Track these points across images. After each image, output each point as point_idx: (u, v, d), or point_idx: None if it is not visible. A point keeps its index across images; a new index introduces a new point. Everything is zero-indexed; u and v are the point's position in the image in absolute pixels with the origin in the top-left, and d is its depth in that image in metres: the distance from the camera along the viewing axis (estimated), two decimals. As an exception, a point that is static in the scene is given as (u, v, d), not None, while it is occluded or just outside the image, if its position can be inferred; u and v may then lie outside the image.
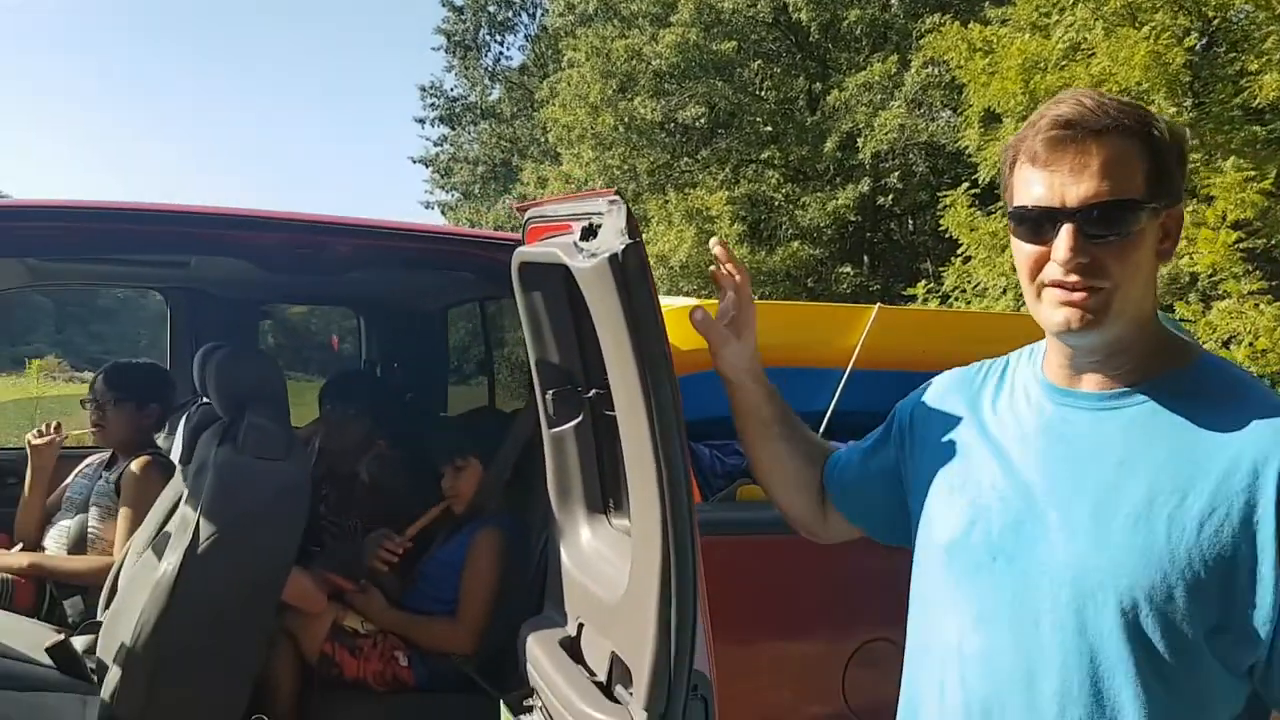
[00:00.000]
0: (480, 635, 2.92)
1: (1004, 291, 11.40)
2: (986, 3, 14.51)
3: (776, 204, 18.98)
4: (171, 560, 2.44)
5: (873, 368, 3.14)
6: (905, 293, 15.37)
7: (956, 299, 12.71)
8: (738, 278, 1.71)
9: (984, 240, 11.60)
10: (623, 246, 1.71)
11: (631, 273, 1.71)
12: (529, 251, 2.23)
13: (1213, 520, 1.18)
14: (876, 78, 17.24)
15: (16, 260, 3.13)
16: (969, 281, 12.14)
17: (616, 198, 1.81)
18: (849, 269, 19.00)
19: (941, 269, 13.95)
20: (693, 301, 3.82)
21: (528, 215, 2.31)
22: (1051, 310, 1.28)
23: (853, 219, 18.87)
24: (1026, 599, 1.29)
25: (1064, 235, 1.24)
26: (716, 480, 2.92)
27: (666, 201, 18.29)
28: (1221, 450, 1.20)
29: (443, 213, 29.90)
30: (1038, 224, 1.27)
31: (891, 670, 1.80)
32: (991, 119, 12.03)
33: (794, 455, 1.73)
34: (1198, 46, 10.23)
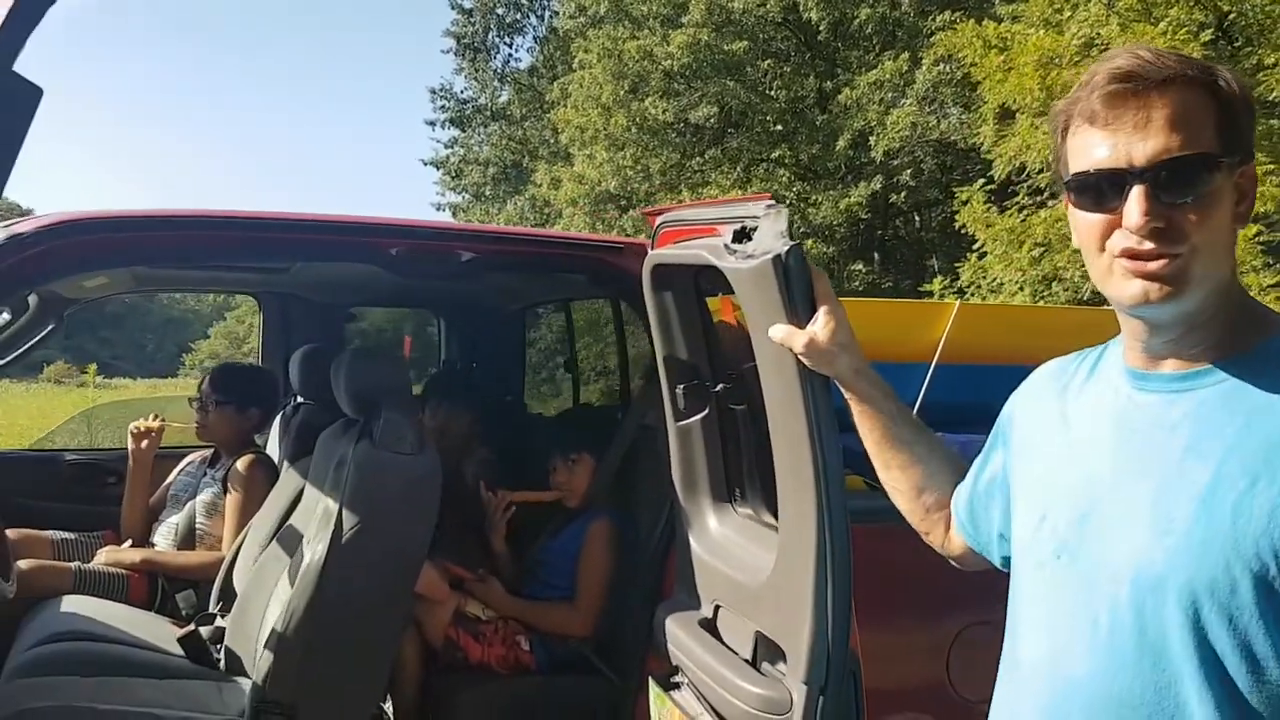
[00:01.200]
0: (596, 619, 3.07)
1: (1020, 288, 11.50)
2: (996, 0, 14.60)
3: (788, 202, 18.99)
4: (318, 550, 2.57)
5: (956, 362, 3.27)
6: (921, 290, 15.51)
7: (972, 295, 12.81)
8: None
9: (1000, 236, 11.68)
10: (786, 248, 1.84)
11: (794, 273, 1.84)
12: (667, 254, 2.36)
13: None
14: (887, 76, 17.32)
15: (125, 268, 3.25)
16: (984, 277, 12.24)
17: (774, 203, 1.94)
18: (860, 266, 19.12)
19: (956, 265, 14.05)
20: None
21: (661, 220, 2.44)
22: (1125, 283, 1.16)
23: (864, 217, 18.99)
24: (1087, 598, 1.20)
25: (1134, 198, 1.12)
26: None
27: (679, 200, 18.37)
28: None
29: (453, 214, 30.01)
30: (1101, 189, 1.16)
31: (991, 652, 1.91)
32: (1006, 115, 12.11)
33: (912, 460, 1.68)
34: (1213, 41, 10.33)
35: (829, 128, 18.69)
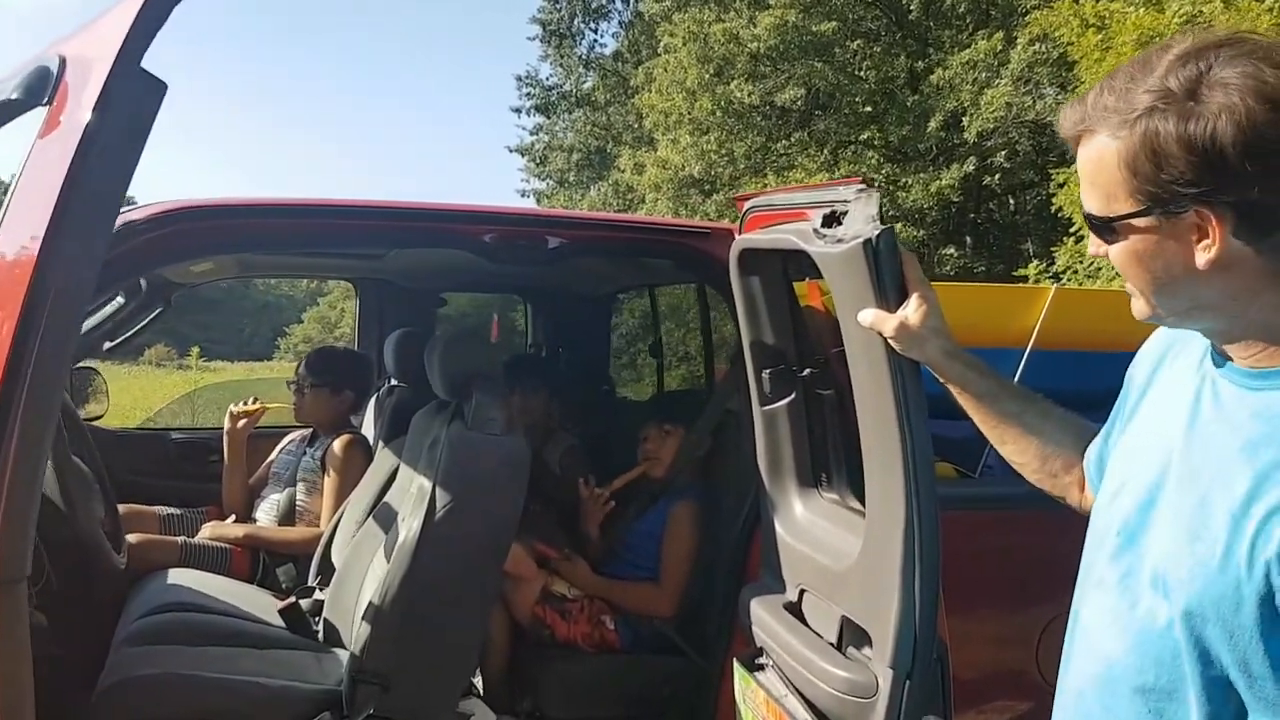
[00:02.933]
0: (680, 600, 3.11)
1: (1118, 272, 11.21)
2: (1095, -23, 14.15)
3: (877, 185, 18.73)
4: (412, 526, 2.64)
5: (1052, 348, 3.22)
6: (1014, 274, 15.20)
7: (1069, 279, 12.52)
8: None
9: (1099, 220, 11.40)
10: (877, 232, 1.84)
11: (884, 257, 1.84)
12: (754, 238, 2.37)
13: None
14: (981, 55, 16.95)
15: (232, 254, 3.37)
16: (1081, 261, 11.96)
17: (865, 186, 1.94)
18: (952, 250, 18.82)
19: (1051, 249, 13.74)
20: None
21: (749, 205, 2.46)
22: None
23: (956, 199, 18.64)
24: (1129, 588, 1.19)
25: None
26: (905, 457, 3.03)
27: (765, 185, 18.26)
28: None
29: (537, 200, 30.30)
30: None
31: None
32: (1104, 95, 11.78)
33: (1024, 431, 1.63)
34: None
35: (920, 109, 18.37)
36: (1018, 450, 1.66)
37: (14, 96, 1.28)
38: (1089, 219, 1.13)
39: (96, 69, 1.20)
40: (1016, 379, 3.14)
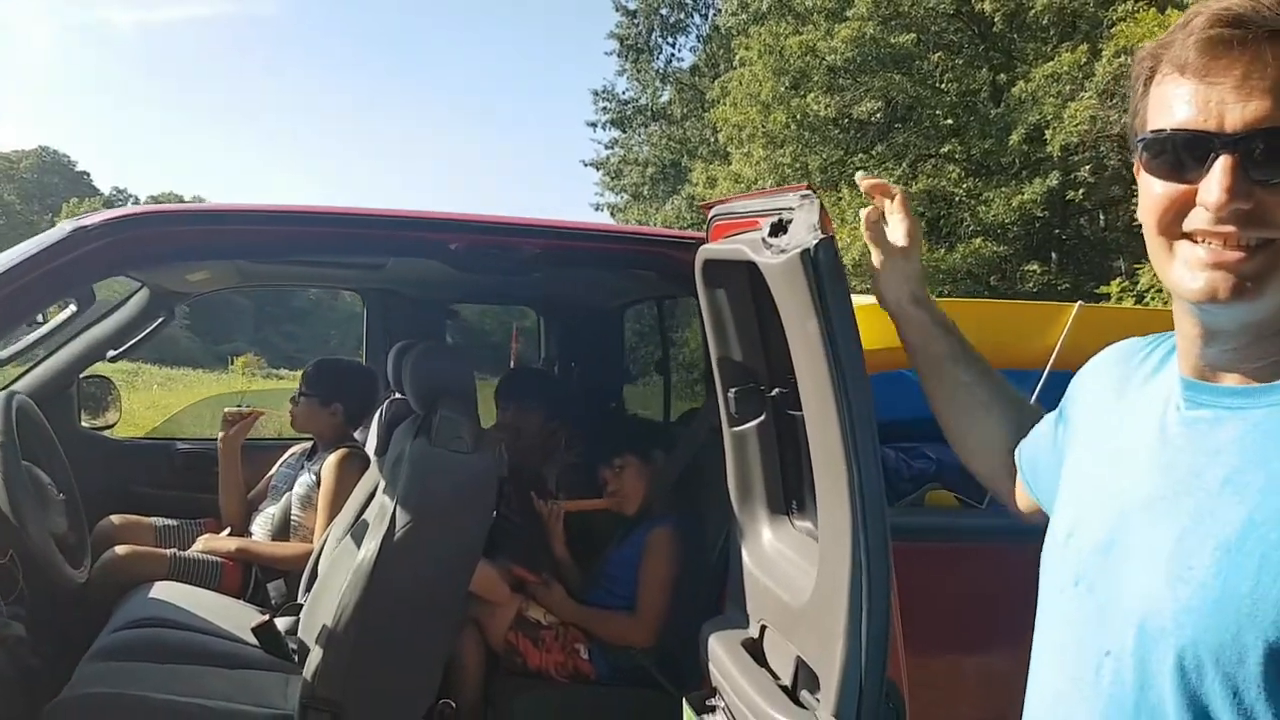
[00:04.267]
0: (658, 630, 2.94)
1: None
2: (1182, -13, 13.68)
3: (957, 199, 18.41)
4: (370, 547, 2.54)
5: (1074, 369, 2.99)
6: (1098, 291, 14.69)
7: (1153, 298, 12.07)
8: (893, 191, 1.61)
9: (1184, 235, 10.96)
10: (815, 241, 1.67)
11: (824, 268, 1.67)
12: (713, 249, 2.22)
13: None
14: (1065, 68, 16.52)
15: (229, 262, 3.31)
16: (1166, 279, 11.49)
17: (809, 193, 1.77)
18: (1035, 267, 18.29)
19: (1137, 266, 13.28)
20: (871, 300, 3.73)
21: (713, 213, 2.30)
22: (1189, 273, 0.96)
23: (1040, 214, 18.14)
24: (1095, 639, 1.04)
25: (1219, 171, 0.91)
26: (903, 484, 2.84)
27: (840, 199, 18.00)
28: None
29: (611, 214, 30.40)
30: (1179, 154, 0.95)
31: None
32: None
33: (973, 405, 1.53)
34: None
35: (1002, 121, 17.99)
36: (958, 424, 1.58)
37: None
38: (1276, 136, 0.90)
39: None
40: (1034, 399, 2.94)
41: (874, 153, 19.87)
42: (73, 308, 2.71)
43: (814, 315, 1.70)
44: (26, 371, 3.75)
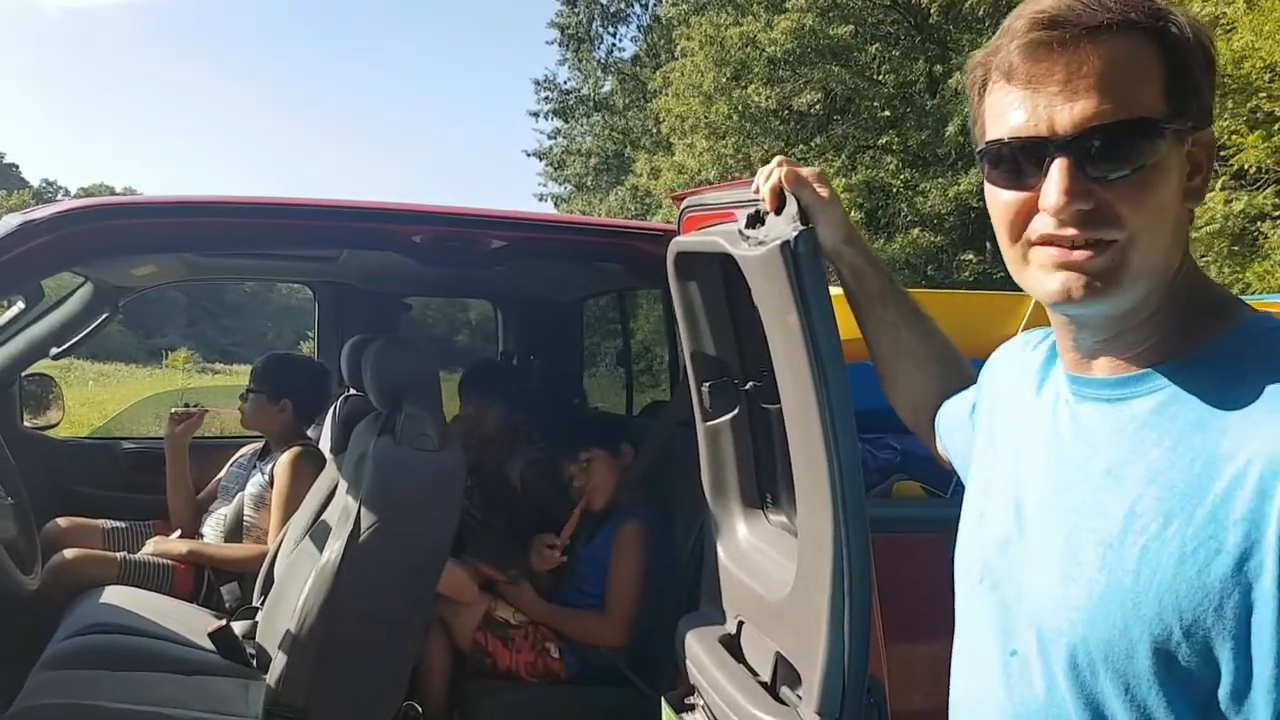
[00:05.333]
0: (629, 628, 2.91)
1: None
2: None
3: (895, 190, 18.62)
4: (334, 549, 2.49)
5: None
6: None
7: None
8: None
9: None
10: (795, 233, 1.66)
11: (804, 261, 1.66)
12: (687, 241, 2.19)
13: (1197, 557, 0.84)
14: (1001, 59, 16.74)
15: (175, 255, 3.22)
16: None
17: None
18: (971, 256, 18.57)
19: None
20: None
21: (685, 205, 2.28)
22: (1042, 275, 0.95)
23: (975, 205, 18.39)
24: (1001, 638, 1.04)
25: (1055, 174, 0.91)
26: (870, 475, 2.84)
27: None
28: (1231, 458, 0.85)
29: (555, 205, 30.26)
30: (1018, 162, 0.95)
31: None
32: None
33: (901, 349, 1.55)
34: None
35: (939, 113, 18.22)
36: (891, 373, 1.60)
37: None
38: (1106, 138, 0.90)
39: None
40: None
41: (814, 144, 20.01)
42: (20, 304, 2.62)
43: (794, 308, 1.68)
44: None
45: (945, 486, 2.86)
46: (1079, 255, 0.92)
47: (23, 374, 3.85)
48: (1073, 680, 0.93)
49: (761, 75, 19.20)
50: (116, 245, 2.32)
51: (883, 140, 19.38)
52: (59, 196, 79.66)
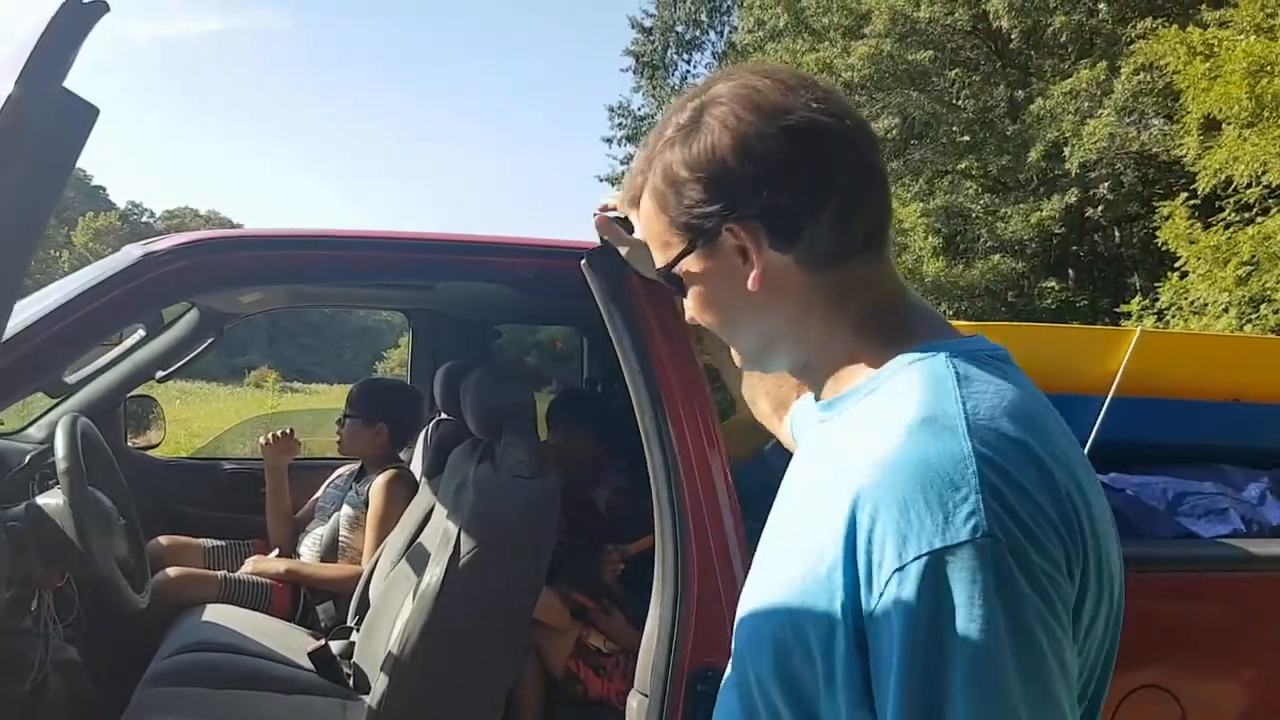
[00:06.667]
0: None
1: (1225, 309, 10.67)
2: (1203, 6, 13.63)
3: (974, 216, 18.36)
4: (435, 573, 2.52)
5: (1136, 395, 2.96)
6: (1118, 310, 14.62)
7: (1173, 316, 11.99)
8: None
9: (1204, 254, 10.91)
10: (584, 258, 1.93)
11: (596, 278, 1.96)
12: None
13: (807, 567, 0.89)
14: (1084, 85, 16.47)
15: (269, 286, 3.30)
16: (1186, 298, 11.44)
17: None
18: (1053, 283, 18.21)
19: (1157, 284, 13.22)
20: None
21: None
22: None
23: (1057, 231, 18.09)
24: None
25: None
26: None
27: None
28: (831, 481, 0.90)
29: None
30: None
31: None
32: (1211, 126, 11.34)
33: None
34: None
35: (1020, 138, 17.92)
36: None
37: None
38: (661, 279, 1.08)
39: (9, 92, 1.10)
40: (1096, 428, 2.92)
41: (890, 168, 19.81)
42: (141, 332, 2.71)
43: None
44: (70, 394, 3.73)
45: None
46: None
47: (127, 395, 3.98)
48: (743, 704, 0.99)
49: (838, 101, 19.12)
50: (233, 276, 2.39)
51: (962, 165, 19.14)
52: (144, 219, 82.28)
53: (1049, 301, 17.79)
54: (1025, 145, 17.59)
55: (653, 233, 1.06)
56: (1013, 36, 18.69)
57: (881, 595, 0.80)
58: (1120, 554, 0.94)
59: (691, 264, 1.03)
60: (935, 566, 0.78)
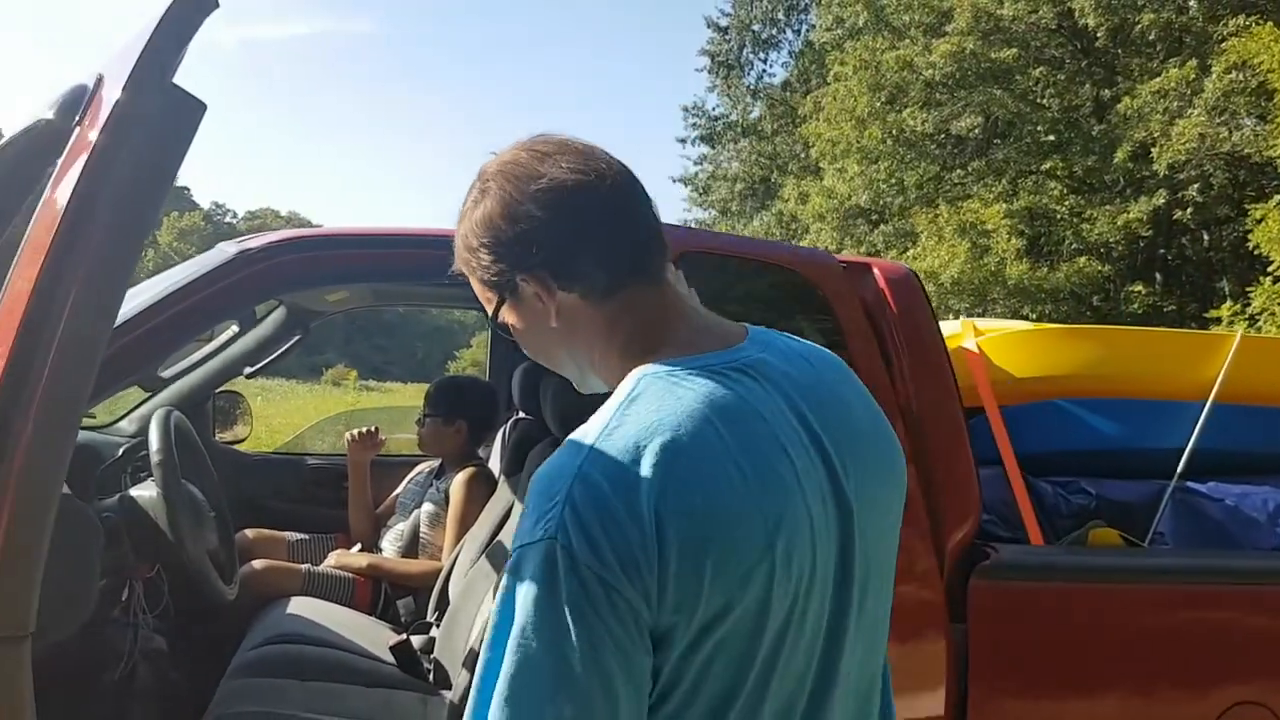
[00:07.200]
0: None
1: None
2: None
3: (1059, 217, 17.99)
4: (514, 571, 2.51)
5: (1236, 402, 2.86)
6: (1206, 315, 14.21)
7: (1265, 322, 11.63)
8: None
9: (1300, 257, 10.56)
10: None
11: None
12: None
13: None
14: (1173, 84, 16.05)
15: (358, 284, 3.34)
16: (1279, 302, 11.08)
17: None
18: (1140, 287, 17.78)
19: (1248, 288, 12.83)
20: (1015, 325, 3.62)
21: None
22: None
23: (1145, 234, 17.63)
24: None
25: None
26: (1062, 520, 2.73)
27: (937, 215, 17.73)
28: None
29: (698, 230, 30.33)
30: None
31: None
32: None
33: None
34: None
35: (1106, 138, 17.56)
36: None
37: (48, 117, 1.21)
38: (498, 331, 1.24)
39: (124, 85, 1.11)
40: (1194, 436, 2.82)
41: (971, 168, 19.55)
42: (235, 328, 2.76)
43: None
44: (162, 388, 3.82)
45: (1144, 535, 2.72)
46: None
47: (215, 391, 4.06)
48: None
49: (918, 99, 18.87)
50: (323, 274, 2.42)
51: (1046, 165, 18.76)
52: (227, 219, 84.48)
53: (1135, 306, 17.37)
54: (1112, 145, 17.23)
55: (477, 292, 1.20)
56: (1099, 34, 18.27)
57: (505, 572, 0.99)
58: (832, 525, 1.06)
59: (506, 314, 1.19)
60: (519, 558, 0.96)
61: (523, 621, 0.94)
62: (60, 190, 1.13)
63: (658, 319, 1.15)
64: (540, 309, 1.15)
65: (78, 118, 1.19)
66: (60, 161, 1.17)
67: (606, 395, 1.15)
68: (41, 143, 1.24)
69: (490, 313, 1.20)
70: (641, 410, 1.03)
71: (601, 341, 1.16)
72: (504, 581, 0.97)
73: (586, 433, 1.04)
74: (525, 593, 0.94)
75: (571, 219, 1.13)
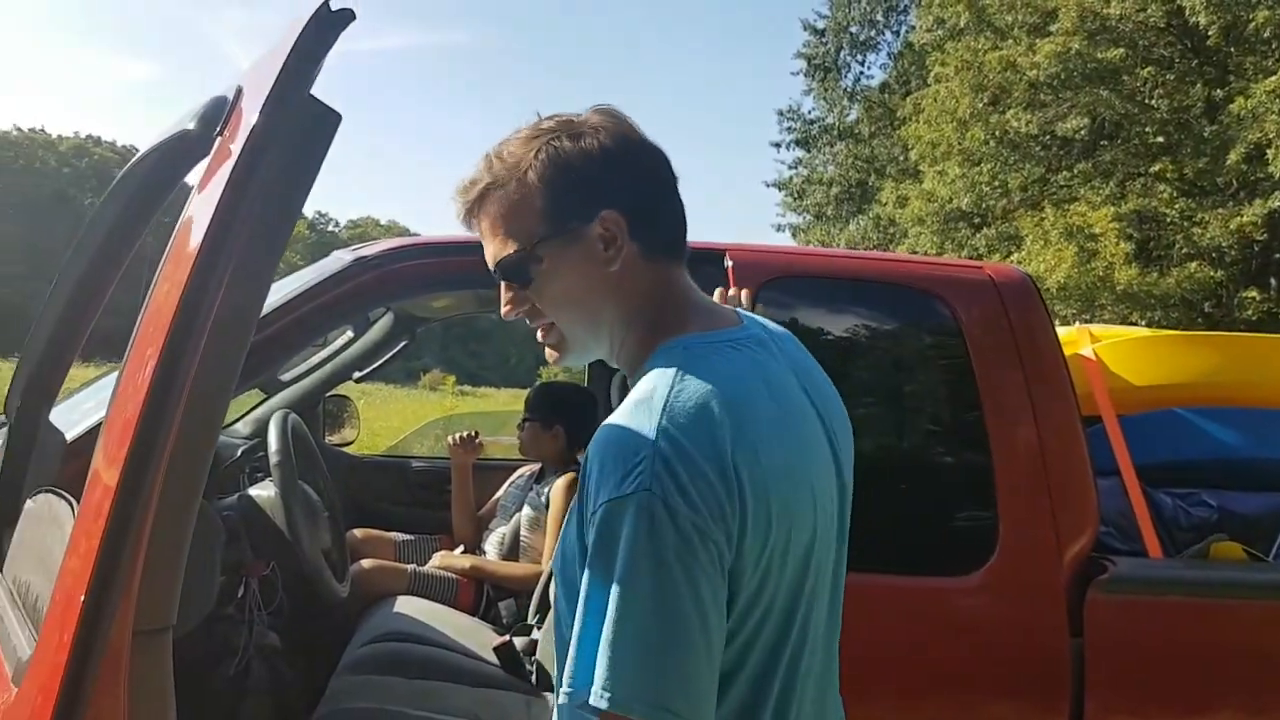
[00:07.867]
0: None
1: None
2: None
3: (1169, 221, 17.40)
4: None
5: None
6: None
7: (1397, 329, 11.05)
8: None
9: None
10: None
11: None
12: None
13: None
14: (1290, 83, 15.39)
15: (464, 290, 3.39)
16: None
17: None
18: (1254, 293, 17.08)
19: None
20: (1136, 331, 3.51)
21: None
22: None
23: (1259, 238, 16.93)
24: None
25: (501, 292, 1.26)
26: (1182, 533, 2.63)
27: (1043, 219, 17.31)
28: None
29: (793, 235, 30.11)
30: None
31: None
32: None
33: None
34: None
35: (1219, 140, 16.91)
36: None
37: (189, 127, 1.26)
38: (503, 270, 1.21)
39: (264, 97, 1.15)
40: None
41: (1078, 170, 19.04)
42: (350, 333, 2.83)
43: None
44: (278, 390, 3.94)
45: (1267, 549, 2.61)
46: (540, 336, 1.26)
47: (325, 394, 4.18)
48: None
49: (1022, 100, 18.43)
50: (434, 280, 2.47)
51: (1155, 168, 18.17)
52: (330, 228, 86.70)
53: (1249, 313, 16.71)
54: (1224, 147, 16.61)
55: (510, 223, 1.19)
56: (1210, 33, 17.60)
57: (591, 529, 1.03)
58: (833, 490, 1.18)
59: (551, 253, 1.18)
60: (608, 513, 1.01)
61: (626, 569, 0.99)
62: (204, 199, 1.18)
63: (683, 298, 1.23)
64: (598, 253, 1.18)
65: (219, 129, 1.23)
66: (203, 171, 1.22)
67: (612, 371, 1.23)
68: (182, 151, 1.29)
69: (520, 248, 1.19)
70: (700, 374, 1.09)
71: (639, 301, 1.21)
72: (593, 536, 1.02)
73: (650, 396, 1.08)
74: (625, 542, 1.00)
75: (661, 180, 1.23)
